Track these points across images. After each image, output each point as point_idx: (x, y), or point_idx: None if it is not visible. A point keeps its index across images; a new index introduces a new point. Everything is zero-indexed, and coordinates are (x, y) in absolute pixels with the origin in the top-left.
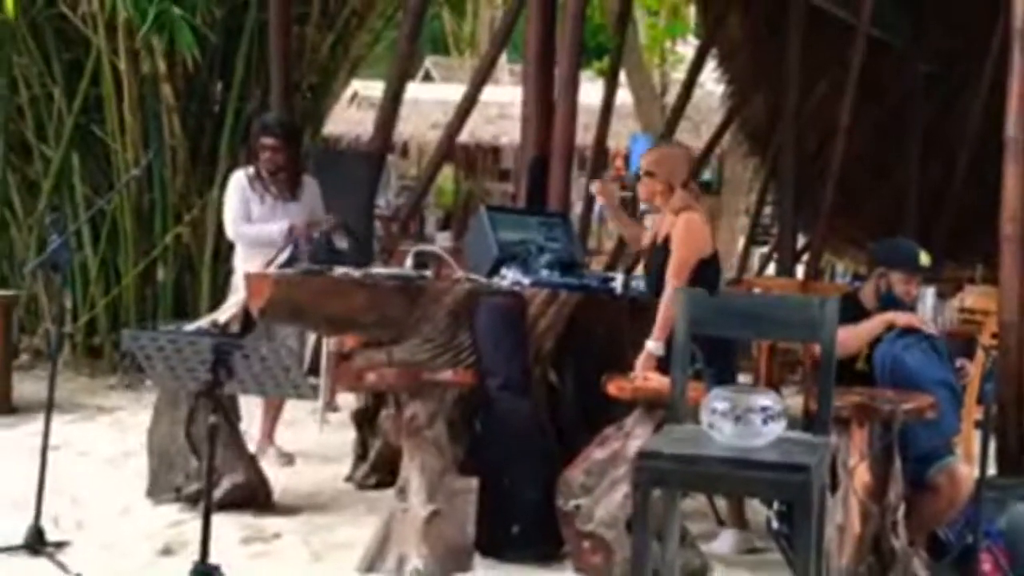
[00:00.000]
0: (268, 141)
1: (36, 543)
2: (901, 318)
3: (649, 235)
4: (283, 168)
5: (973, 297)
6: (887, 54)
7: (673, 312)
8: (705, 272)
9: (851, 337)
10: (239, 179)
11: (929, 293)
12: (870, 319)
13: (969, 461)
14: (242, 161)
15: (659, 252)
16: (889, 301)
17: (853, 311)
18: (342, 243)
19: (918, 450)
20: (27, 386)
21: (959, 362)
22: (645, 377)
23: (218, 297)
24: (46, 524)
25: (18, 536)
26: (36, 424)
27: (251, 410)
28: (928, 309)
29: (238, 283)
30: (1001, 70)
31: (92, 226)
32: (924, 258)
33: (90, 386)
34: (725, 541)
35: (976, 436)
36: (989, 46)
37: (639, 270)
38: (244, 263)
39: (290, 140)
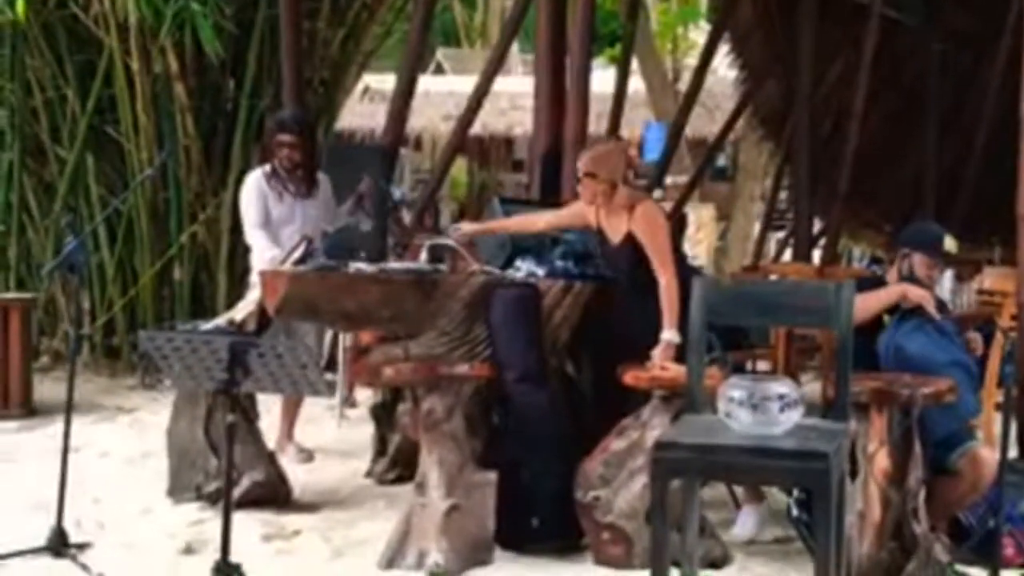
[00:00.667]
0: (285, 138)
1: (59, 544)
2: (913, 292)
3: (577, 225)
4: (300, 165)
5: (991, 279)
6: (901, 34)
7: (677, 299)
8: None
9: (862, 306)
10: (256, 179)
11: (947, 275)
12: (886, 288)
13: (990, 444)
14: (255, 159)
15: (624, 251)
16: (910, 282)
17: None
18: (365, 225)
19: (937, 435)
20: (47, 388)
21: (968, 335)
22: (663, 367)
23: (235, 295)
24: (68, 525)
25: (41, 538)
26: (56, 426)
27: (270, 408)
28: (946, 291)
29: (254, 281)
30: (1017, 48)
31: (108, 227)
32: (949, 243)
33: (109, 387)
34: (746, 522)
35: (997, 419)
36: (1004, 24)
37: None
38: (264, 260)
39: (306, 136)
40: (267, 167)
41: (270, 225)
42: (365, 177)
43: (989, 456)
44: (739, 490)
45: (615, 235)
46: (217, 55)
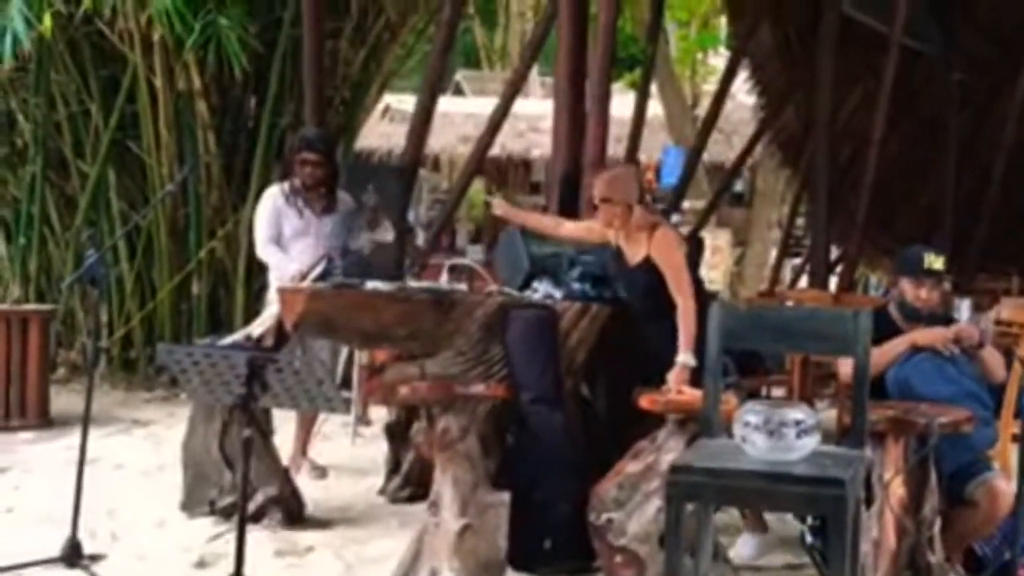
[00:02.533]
0: (311, 156)
1: (73, 556)
2: (924, 338)
3: (594, 238)
4: (323, 183)
5: (1009, 309)
6: (920, 63)
7: (694, 323)
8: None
9: (875, 358)
10: (272, 195)
11: (964, 305)
12: (896, 339)
13: (1007, 475)
14: (276, 176)
15: (641, 273)
16: (908, 311)
17: (883, 325)
18: (386, 235)
19: (951, 465)
20: (64, 399)
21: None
22: (679, 390)
23: (252, 311)
24: (83, 537)
25: (55, 549)
26: (73, 437)
27: (284, 424)
28: (963, 322)
29: (271, 298)
30: None
31: (128, 241)
32: (932, 261)
33: (126, 399)
34: (743, 548)
35: (1014, 450)
36: (1023, 53)
37: None
38: (277, 278)
39: (330, 155)
40: (286, 184)
41: (283, 241)
42: (371, 193)
43: (1006, 487)
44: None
45: (633, 257)
46: (241, 72)
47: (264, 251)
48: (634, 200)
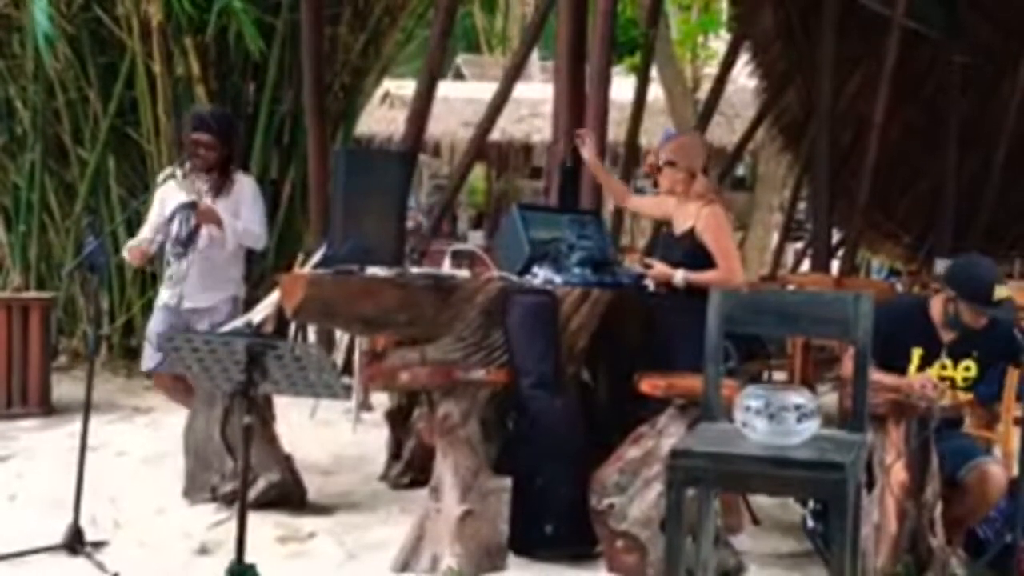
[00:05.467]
0: (203, 138)
1: (75, 543)
2: (923, 391)
3: (656, 214)
4: (213, 167)
5: (1011, 292)
6: (922, 46)
7: (717, 282)
8: None
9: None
10: (163, 178)
11: None
12: (897, 377)
13: (1009, 459)
14: (273, 160)
15: (682, 243)
16: (956, 324)
17: (920, 320)
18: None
19: (943, 448)
20: (65, 387)
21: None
22: (648, 264)
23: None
24: (84, 524)
25: (57, 536)
26: (74, 425)
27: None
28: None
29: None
30: None
31: (128, 228)
32: (999, 291)
33: (127, 387)
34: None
35: (1016, 433)
36: None
37: None
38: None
39: (225, 137)
40: (180, 164)
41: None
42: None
43: (998, 471)
44: (760, 508)
45: (680, 226)
46: (242, 56)
47: (138, 234)
48: (698, 168)
